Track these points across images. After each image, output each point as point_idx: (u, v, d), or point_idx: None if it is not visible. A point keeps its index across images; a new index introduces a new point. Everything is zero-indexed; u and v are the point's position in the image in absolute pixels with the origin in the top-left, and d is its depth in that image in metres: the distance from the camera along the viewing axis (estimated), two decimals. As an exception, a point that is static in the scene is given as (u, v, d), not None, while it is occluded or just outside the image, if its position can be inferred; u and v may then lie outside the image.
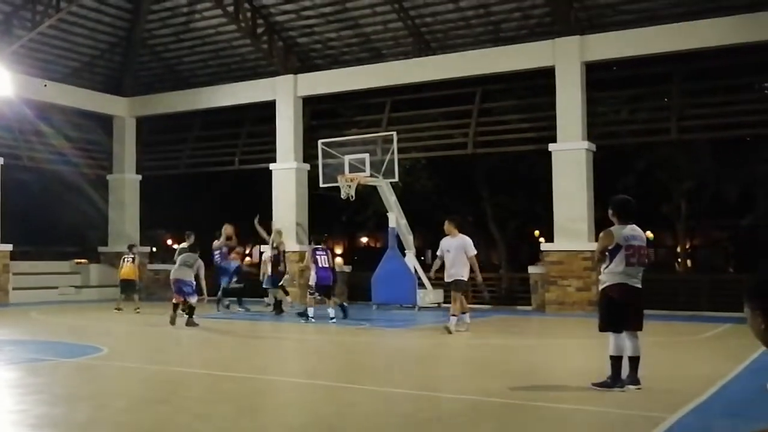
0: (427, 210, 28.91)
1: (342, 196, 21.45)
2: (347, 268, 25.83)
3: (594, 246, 19.73)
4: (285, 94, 25.14)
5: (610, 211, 8.83)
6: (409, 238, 22.20)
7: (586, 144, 20.64)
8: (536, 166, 25.52)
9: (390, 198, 21.72)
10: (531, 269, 21.82)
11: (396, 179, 21.77)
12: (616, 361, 8.54)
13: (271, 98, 25.40)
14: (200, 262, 16.44)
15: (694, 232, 40.61)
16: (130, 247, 21.84)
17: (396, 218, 21.80)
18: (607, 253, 8.58)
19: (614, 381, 8.49)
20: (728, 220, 38.17)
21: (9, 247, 24.15)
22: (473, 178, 30.62)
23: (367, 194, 24.01)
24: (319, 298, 17.47)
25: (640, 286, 8.61)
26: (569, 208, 20.53)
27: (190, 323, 15.74)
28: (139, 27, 26.03)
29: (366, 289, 22.34)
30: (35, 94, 24.82)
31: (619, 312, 8.53)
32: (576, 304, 20.01)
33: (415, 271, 21.38)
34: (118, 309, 20.34)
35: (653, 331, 11.19)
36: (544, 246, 21.54)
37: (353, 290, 24.35)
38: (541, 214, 26.88)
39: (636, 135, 22.32)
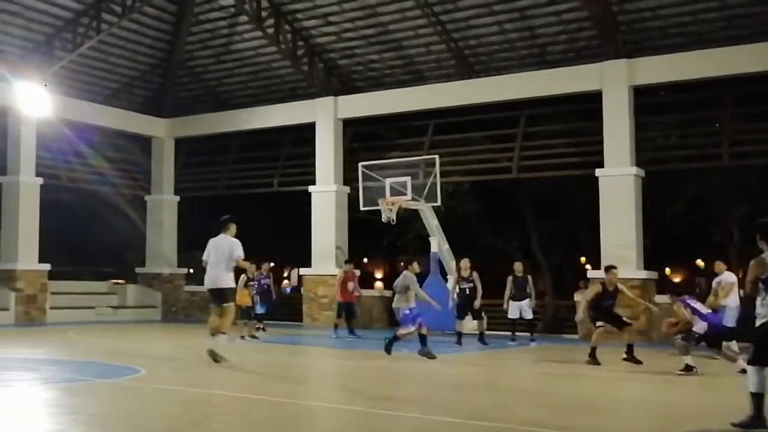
0: (470, 235, 28.41)
1: (383, 220, 21.19)
2: (387, 293, 25.42)
3: (643, 274, 19.51)
4: (325, 115, 24.94)
5: (757, 236, 8.06)
6: (451, 264, 21.70)
7: (634, 170, 20.17)
8: (582, 191, 24.97)
9: (432, 222, 21.37)
10: (577, 297, 21.26)
11: (438, 203, 21.46)
12: (758, 398, 7.64)
13: (311, 120, 25.22)
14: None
15: (747, 261, 39.51)
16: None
17: (438, 243, 21.43)
18: (761, 284, 7.82)
19: (755, 421, 7.59)
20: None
21: (47, 266, 24.15)
22: (518, 203, 30.13)
23: (409, 218, 23.61)
24: None
25: None
26: (617, 234, 20.00)
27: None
28: (179, 48, 26.08)
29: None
30: (75, 115, 24.96)
31: None
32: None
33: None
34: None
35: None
36: (591, 273, 20.96)
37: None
38: (586, 240, 26.30)
39: (686, 160, 21.71)
